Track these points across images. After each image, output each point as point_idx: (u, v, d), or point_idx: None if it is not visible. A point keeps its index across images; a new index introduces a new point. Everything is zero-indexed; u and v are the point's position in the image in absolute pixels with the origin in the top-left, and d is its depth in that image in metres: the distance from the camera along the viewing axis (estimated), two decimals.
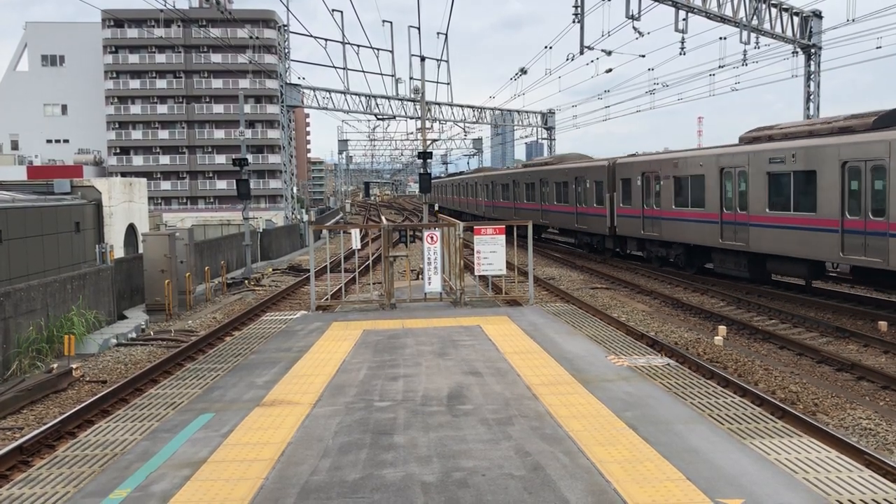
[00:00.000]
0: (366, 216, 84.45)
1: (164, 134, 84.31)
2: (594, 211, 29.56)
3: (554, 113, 61.16)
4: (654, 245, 25.73)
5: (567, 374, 8.52)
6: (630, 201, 26.63)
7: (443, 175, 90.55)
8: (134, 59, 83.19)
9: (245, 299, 23.87)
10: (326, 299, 15.71)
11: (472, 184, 54.09)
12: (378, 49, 39.82)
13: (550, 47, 37.83)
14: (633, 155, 28.27)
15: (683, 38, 30.80)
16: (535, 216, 36.22)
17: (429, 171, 34.24)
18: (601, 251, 30.64)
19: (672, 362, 9.15)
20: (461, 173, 68.92)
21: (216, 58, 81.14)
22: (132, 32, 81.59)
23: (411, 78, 45.13)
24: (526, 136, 64.96)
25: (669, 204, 24.01)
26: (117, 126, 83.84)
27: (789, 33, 32.38)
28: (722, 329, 15.96)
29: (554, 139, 61.79)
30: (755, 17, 30.93)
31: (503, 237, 13.88)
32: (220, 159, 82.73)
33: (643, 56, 35.49)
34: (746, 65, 32.78)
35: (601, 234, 29.64)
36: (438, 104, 52.14)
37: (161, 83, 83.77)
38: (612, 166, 28.14)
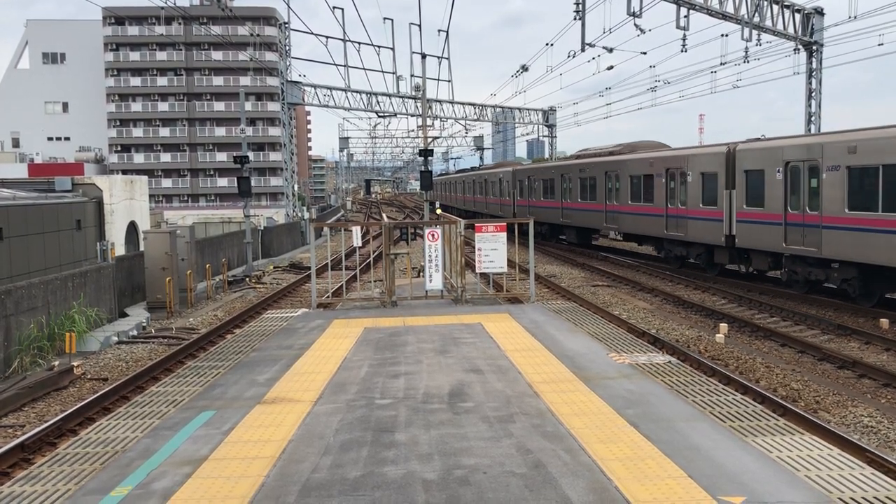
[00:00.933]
0: (367, 214, 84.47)
1: (165, 131, 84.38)
2: (700, 213, 22.65)
3: (555, 110, 61.07)
4: (805, 263, 18.79)
5: (568, 371, 8.52)
6: (761, 201, 19.92)
7: (449, 171, 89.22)
8: (135, 56, 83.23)
9: (246, 297, 23.88)
10: (327, 297, 15.71)
11: (495, 180, 46.07)
12: (379, 46, 39.84)
13: (552, 44, 37.79)
14: (759, 139, 21.57)
15: (685, 36, 30.81)
16: (594, 219, 30.79)
17: (430, 168, 34.17)
18: (706, 266, 23.51)
19: (673, 360, 9.15)
20: (474, 168, 61.40)
21: (217, 55, 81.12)
22: (133, 30, 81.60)
23: (412, 75, 45.26)
24: (527, 134, 64.87)
25: (839, 206, 17.24)
26: (118, 124, 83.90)
27: (791, 30, 32.34)
28: (723, 327, 15.95)
29: (555, 137, 61.74)
30: (756, 14, 30.89)
31: (504, 235, 13.88)
32: (221, 157, 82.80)
33: (644, 53, 35.27)
34: (748, 62, 32.76)
35: (710, 245, 22.66)
36: (439, 101, 52.07)
37: (162, 81, 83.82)
38: (731, 153, 21.33)
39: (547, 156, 73.38)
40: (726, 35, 33.12)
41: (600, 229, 32.23)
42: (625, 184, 27.80)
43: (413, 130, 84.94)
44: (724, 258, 22.33)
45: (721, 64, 34.15)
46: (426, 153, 33.61)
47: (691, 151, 24.28)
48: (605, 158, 30.31)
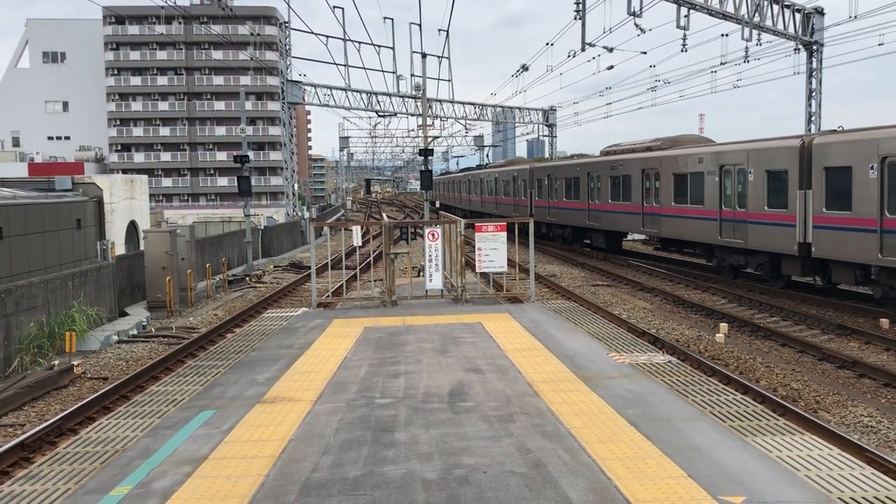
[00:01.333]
0: (367, 213, 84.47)
1: (165, 131, 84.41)
2: (765, 217, 19.64)
3: (555, 110, 61.09)
4: None
5: (568, 371, 8.51)
6: (847, 204, 17.06)
7: (451, 170, 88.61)
8: (135, 55, 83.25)
9: (246, 296, 23.88)
10: (327, 296, 15.71)
11: (508, 179, 42.56)
12: (379, 46, 39.91)
13: (552, 44, 37.78)
14: (838, 131, 18.70)
15: (685, 35, 30.80)
16: (628, 222, 27.87)
17: (430, 167, 34.16)
18: (770, 278, 20.53)
19: (673, 359, 9.14)
20: (480, 167, 58.33)
21: (217, 55, 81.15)
22: (133, 29, 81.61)
23: (412, 75, 45.23)
24: (527, 134, 64.91)
25: None
26: (118, 123, 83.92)
27: (791, 30, 32.33)
28: (723, 326, 15.95)
29: (555, 136, 61.75)
30: (756, 14, 30.88)
31: (504, 234, 13.88)
32: (222, 156, 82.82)
33: (645, 53, 35.26)
34: (748, 62, 32.76)
35: (778, 253, 19.57)
36: (440, 101, 52.07)
37: (162, 80, 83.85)
38: (806, 148, 18.42)
39: (547, 155, 73.33)
40: (726, 35, 33.16)
41: (636, 234, 29.21)
42: (667, 183, 24.62)
43: (413, 130, 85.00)
44: (794, 269, 19.29)
45: (721, 64, 34.18)
46: (426, 153, 33.61)
47: (754, 146, 20.79)
48: (643, 154, 26.85)
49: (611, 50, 33.46)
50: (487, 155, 73.15)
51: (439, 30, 36.21)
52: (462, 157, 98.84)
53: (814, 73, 33.17)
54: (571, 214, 32.92)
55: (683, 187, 23.67)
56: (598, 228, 30.87)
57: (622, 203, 28.01)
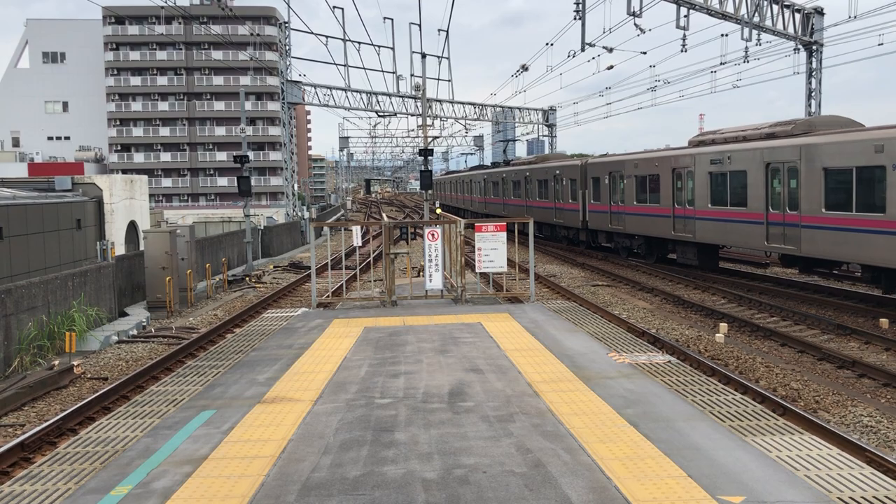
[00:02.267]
0: (367, 213, 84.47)
1: (165, 131, 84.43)
2: None
3: (555, 110, 61.12)
4: None
5: (568, 371, 8.52)
6: None
7: (455, 170, 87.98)
8: (135, 55, 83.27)
9: (246, 296, 23.88)
10: (327, 296, 15.71)
11: (546, 178, 35.29)
12: (379, 46, 39.91)
13: (552, 44, 37.79)
14: None
15: (685, 35, 30.81)
16: (745, 234, 20.61)
17: (430, 168, 34.14)
18: None
19: (673, 359, 9.15)
20: (496, 164, 51.48)
21: (217, 55, 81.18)
22: (133, 29, 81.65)
23: (412, 75, 45.24)
24: (527, 134, 64.90)
25: None
26: (118, 123, 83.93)
27: (791, 30, 32.35)
28: (723, 326, 15.95)
29: (555, 136, 61.77)
30: (756, 14, 30.89)
31: (504, 234, 13.89)
32: (222, 156, 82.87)
33: (644, 53, 35.29)
34: (748, 62, 32.76)
35: None
36: (439, 101, 52.08)
37: (162, 80, 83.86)
38: None
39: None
40: (726, 35, 33.17)
41: (755, 250, 22.35)
42: (812, 181, 17.76)
43: (413, 130, 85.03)
44: None
45: (721, 64, 34.16)
46: (426, 153, 33.59)
47: None
48: (766, 144, 19.82)
49: (611, 50, 33.47)
50: (504, 151, 72.59)
51: (439, 30, 36.29)
52: (471, 154, 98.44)
53: (813, 73, 33.18)
54: (647, 222, 26.04)
55: (844, 188, 16.95)
56: (690, 241, 23.73)
57: (731, 209, 21.08)
